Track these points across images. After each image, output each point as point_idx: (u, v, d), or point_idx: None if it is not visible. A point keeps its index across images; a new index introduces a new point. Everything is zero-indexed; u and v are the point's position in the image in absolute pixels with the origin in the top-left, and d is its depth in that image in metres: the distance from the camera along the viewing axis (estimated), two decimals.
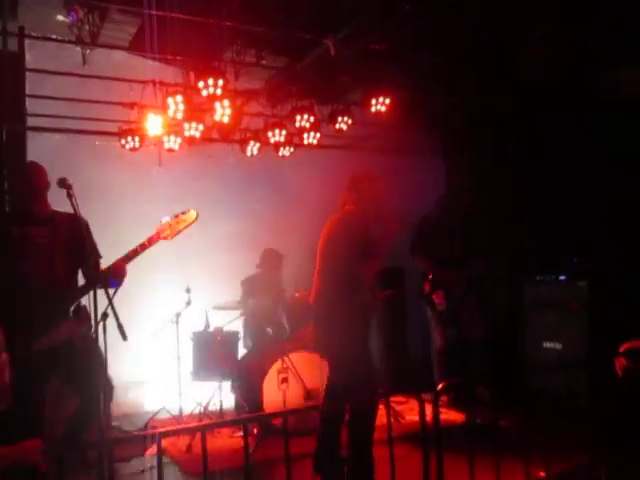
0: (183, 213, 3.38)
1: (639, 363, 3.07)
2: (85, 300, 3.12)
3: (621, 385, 3.18)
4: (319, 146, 6.54)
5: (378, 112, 5.68)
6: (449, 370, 5.78)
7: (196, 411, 5.67)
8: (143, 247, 3.27)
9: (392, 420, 5.13)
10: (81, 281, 3.39)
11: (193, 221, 3.37)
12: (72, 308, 3.14)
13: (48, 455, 2.93)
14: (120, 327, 2.78)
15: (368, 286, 3.81)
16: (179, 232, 3.34)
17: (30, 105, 5.49)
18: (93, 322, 2.86)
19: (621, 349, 3.19)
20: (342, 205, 3.96)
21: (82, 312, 3.05)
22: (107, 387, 3.28)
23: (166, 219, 3.37)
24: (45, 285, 3.17)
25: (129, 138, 5.92)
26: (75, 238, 3.21)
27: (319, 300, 3.90)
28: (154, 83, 5.49)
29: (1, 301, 3.16)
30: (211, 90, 4.88)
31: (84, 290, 3.21)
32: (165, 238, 3.31)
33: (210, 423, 2.70)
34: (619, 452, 3.38)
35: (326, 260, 3.87)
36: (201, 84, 4.87)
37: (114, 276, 3.21)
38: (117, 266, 3.24)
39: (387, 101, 5.62)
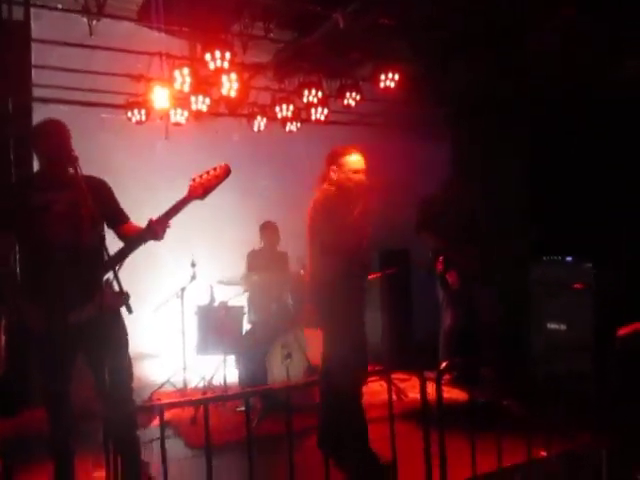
0: (214, 169, 3.15)
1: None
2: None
3: (624, 366, 3.18)
4: (327, 122, 6.49)
5: (387, 88, 5.63)
6: (456, 350, 5.78)
7: (200, 385, 5.71)
8: (176, 209, 3.08)
9: (395, 397, 5.19)
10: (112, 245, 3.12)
11: (225, 176, 3.15)
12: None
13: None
14: (126, 300, 2.78)
15: (354, 266, 3.72)
16: (212, 189, 3.12)
17: (36, 76, 5.46)
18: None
19: (623, 332, 3.18)
20: (321, 181, 3.85)
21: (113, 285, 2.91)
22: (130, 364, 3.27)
23: (197, 177, 3.13)
24: (72, 254, 3.01)
25: (135, 111, 5.89)
26: (102, 200, 3.09)
27: (310, 281, 3.87)
28: (161, 55, 5.44)
29: (29, 275, 3.10)
30: (218, 63, 4.84)
31: (124, 254, 3.05)
32: (198, 197, 3.10)
33: (212, 397, 2.71)
34: (620, 432, 3.39)
35: (309, 242, 3.79)
36: (208, 57, 4.82)
37: (154, 235, 3.05)
38: (155, 225, 3.03)
39: (396, 77, 5.56)
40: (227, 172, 3.16)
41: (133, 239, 3.10)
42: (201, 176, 3.13)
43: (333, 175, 3.73)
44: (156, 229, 3.03)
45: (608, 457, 3.37)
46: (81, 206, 3.01)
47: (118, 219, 3.29)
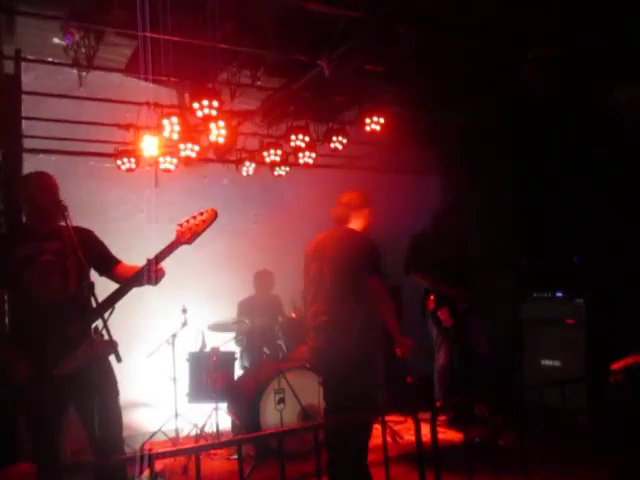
0: (201, 214, 3.14)
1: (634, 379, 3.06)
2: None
3: (618, 401, 3.16)
4: (315, 165, 6.57)
5: (373, 131, 5.72)
6: (450, 388, 5.74)
7: (193, 433, 5.61)
8: (164, 254, 3.07)
9: (390, 440, 5.12)
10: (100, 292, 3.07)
11: (213, 220, 3.13)
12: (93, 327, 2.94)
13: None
14: (115, 348, 2.75)
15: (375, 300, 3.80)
16: (200, 234, 3.11)
17: (26, 127, 5.52)
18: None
19: (616, 366, 3.18)
20: (340, 220, 3.98)
21: (102, 333, 2.83)
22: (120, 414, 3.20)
23: (184, 222, 3.12)
24: (59, 303, 3.00)
25: (125, 159, 5.95)
26: (90, 249, 3.09)
27: (329, 314, 3.79)
28: (149, 104, 5.52)
29: (17, 325, 3.08)
30: (206, 111, 4.92)
31: (114, 299, 3.00)
32: (186, 242, 3.09)
33: (204, 445, 2.66)
34: (619, 465, 3.35)
35: (335, 274, 3.80)
36: (196, 105, 4.90)
37: (149, 279, 3.02)
38: (150, 267, 3.01)
39: (381, 120, 5.65)
40: (214, 216, 3.16)
41: (129, 279, 3.08)
42: (188, 221, 3.14)
43: (358, 220, 3.97)
44: (151, 270, 3.02)
45: None
46: (67, 256, 3.03)
47: (109, 264, 3.28)
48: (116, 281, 3.17)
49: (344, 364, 3.68)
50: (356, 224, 3.96)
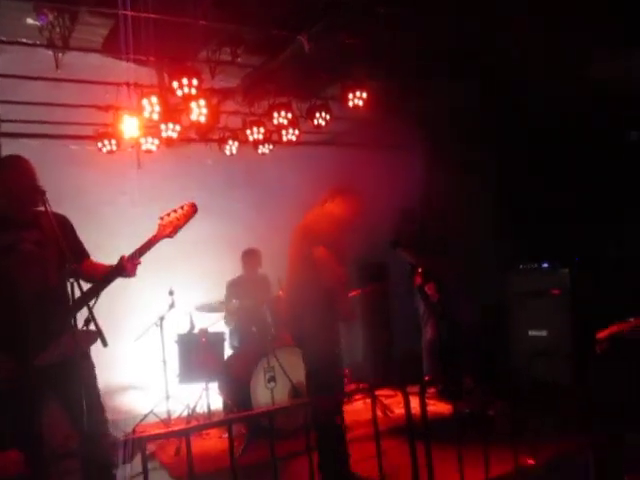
0: (182, 207, 3.20)
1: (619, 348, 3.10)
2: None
3: (604, 368, 3.20)
4: (298, 143, 6.53)
5: (356, 106, 5.66)
6: (439, 362, 5.80)
7: (184, 414, 5.64)
8: (146, 247, 3.08)
9: (380, 414, 5.18)
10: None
11: (193, 213, 3.20)
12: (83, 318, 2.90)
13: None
14: (100, 333, 2.73)
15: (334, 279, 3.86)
16: (181, 227, 3.16)
17: (3, 111, 5.42)
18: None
19: (602, 335, 3.22)
20: (321, 204, 4.14)
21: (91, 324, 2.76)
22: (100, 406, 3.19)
23: (165, 215, 3.17)
24: (40, 295, 2.97)
25: (106, 141, 5.87)
26: (67, 237, 3.03)
27: (290, 289, 4.13)
28: (128, 85, 5.43)
29: None
30: (186, 90, 4.84)
31: (95, 291, 2.97)
32: (168, 236, 3.13)
33: (194, 426, 2.66)
34: (604, 436, 3.41)
35: (296, 251, 4.04)
36: (175, 84, 4.83)
37: (126, 273, 3.02)
38: (126, 263, 3.01)
39: (364, 95, 5.60)
40: (194, 210, 3.22)
41: (104, 276, 3.06)
42: (169, 214, 3.19)
43: (338, 205, 4.08)
44: (127, 267, 3.01)
45: (595, 460, 3.38)
46: (47, 245, 2.99)
47: (80, 256, 3.22)
48: (81, 276, 3.11)
49: (299, 332, 3.98)
50: (340, 209, 4.07)
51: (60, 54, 5.08)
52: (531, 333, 5.89)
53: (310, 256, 3.82)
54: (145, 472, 2.32)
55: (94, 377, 3.15)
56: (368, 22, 4.75)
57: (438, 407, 5.30)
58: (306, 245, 3.90)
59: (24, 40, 5.15)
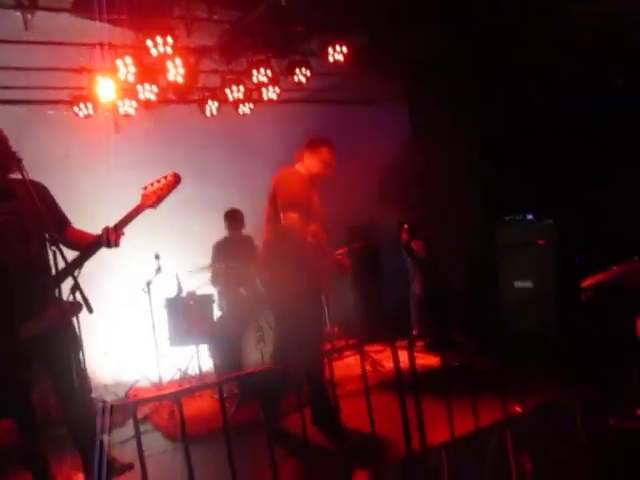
0: (165, 177, 3.17)
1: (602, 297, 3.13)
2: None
3: (587, 319, 3.25)
4: (279, 101, 6.41)
5: (336, 61, 5.56)
6: (428, 317, 5.86)
7: (176, 377, 5.68)
8: (130, 217, 3.06)
9: (370, 369, 5.24)
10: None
11: (176, 184, 3.17)
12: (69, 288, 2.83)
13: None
14: (85, 300, 2.71)
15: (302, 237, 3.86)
16: (164, 197, 3.13)
17: None
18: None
19: (586, 284, 3.25)
20: (296, 160, 4.15)
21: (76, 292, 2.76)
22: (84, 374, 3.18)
23: (148, 185, 3.14)
24: (21, 266, 2.93)
25: (82, 105, 5.73)
26: (47, 206, 2.98)
27: (265, 252, 4.14)
28: (102, 45, 5.27)
29: None
30: (161, 49, 4.72)
31: (79, 261, 2.95)
32: (151, 206, 3.11)
33: (185, 389, 2.69)
34: (588, 382, 3.48)
35: (268, 210, 4.06)
36: (150, 43, 4.70)
37: (110, 243, 2.99)
38: (110, 234, 2.98)
39: (344, 49, 5.49)
40: (177, 180, 3.19)
41: (88, 246, 3.03)
42: (152, 184, 3.16)
43: (307, 160, 4.05)
44: (111, 237, 2.98)
45: (581, 406, 3.46)
46: (26, 214, 2.93)
47: (61, 224, 3.18)
48: (66, 244, 3.08)
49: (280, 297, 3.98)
50: (308, 163, 4.06)
51: (29, 15, 4.90)
52: (517, 284, 5.95)
53: (280, 222, 3.84)
54: (138, 435, 2.34)
55: (78, 346, 3.14)
56: None
57: (427, 360, 5.38)
58: (275, 208, 3.91)
59: None
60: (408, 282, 6.13)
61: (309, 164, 4.05)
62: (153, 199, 3.11)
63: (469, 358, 4.77)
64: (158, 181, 3.16)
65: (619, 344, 3.37)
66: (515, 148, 6.17)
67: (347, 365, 5.63)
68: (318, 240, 3.94)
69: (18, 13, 4.89)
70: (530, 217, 6.00)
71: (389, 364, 5.47)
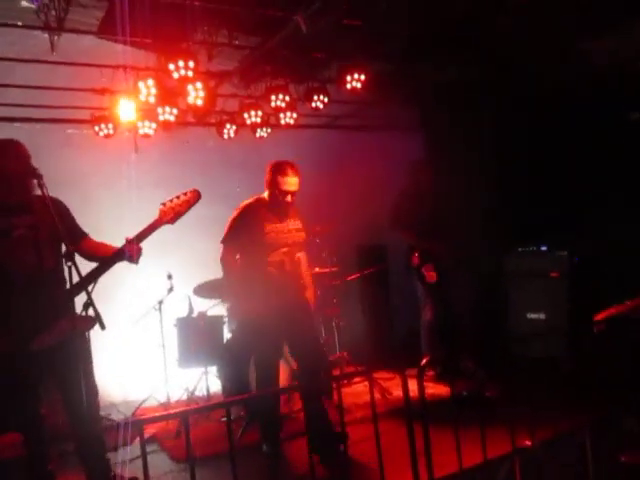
0: (185, 194, 3.17)
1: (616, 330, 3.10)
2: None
3: (600, 352, 3.21)
4: (296, 126, 6.48)
5: (354, 89, 5.62)
6: (438, 344, 5.80)
7: (184, 397, 5.66)
8: (146, 233, 3.08)
9: (379, 396, 5.20)
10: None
11: (196, 201, 3.18)
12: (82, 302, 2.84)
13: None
14: (98, 316, 2.73)
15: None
16: (182, 214, 3.14)
17: None
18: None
19: (599, 317, 3.22)
20: (265, 187, 4.38)
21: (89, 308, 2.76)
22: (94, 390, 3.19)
23: (167, 201, 3.15)
24: (35, 279, 2.95)
25: (102, 125, 5.82)
26: (63, 220, 2.99)
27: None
28: (125, 68, 5.38)
29: None
30: (182, 72, 4.80)
31: (96, 274, 2.97)
32: (168, 222, 3.12)
33: (192, 408, 2.68)
34: (600, 416, 3.43)
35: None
36: (171, 66, 4.79)
37: (129, 259, 3.03)
38: (129, 248, 3.02)
39: (362, 77, 5.55)
40: (197, 196, 3.21)
41: (107, 258, 3.05)
42: (171, 200, 3.16)
43: (265, 186, 4.25)
44: (131, 253, 3.00)
45: (592, 440, 3.41)
46: (41, 229, 2.97)
47: (76, 236, 3.21)
48: (83, 255, 3.11)
49: None
50: (266, 189, 4.28)
51: (55, 37, 5.03)
52: (530, 316, 5.90)
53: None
54: (144, 455, 2.33)
55: (90, 362, 3.16)
56: (365, 2, 4.71)
57: (436, 389, 5.33)
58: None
59: (19, 23, 5.09)
60: (418, 308, 6.09)
61: (266, 189, 4.24)
62: (171, 215, 3.12)
63: (478, 386, 4.72)
64: (177, 197, 3.17)
65: (632, 377, 3.33)
66: (531, 178, 6.18)
67: (355, 392, 5.59)
68: (281, 269, 4.04)
69: (45, 35, 5.02)
70: (544, 248, 5.98)
71: (397, 392, 5.43)
